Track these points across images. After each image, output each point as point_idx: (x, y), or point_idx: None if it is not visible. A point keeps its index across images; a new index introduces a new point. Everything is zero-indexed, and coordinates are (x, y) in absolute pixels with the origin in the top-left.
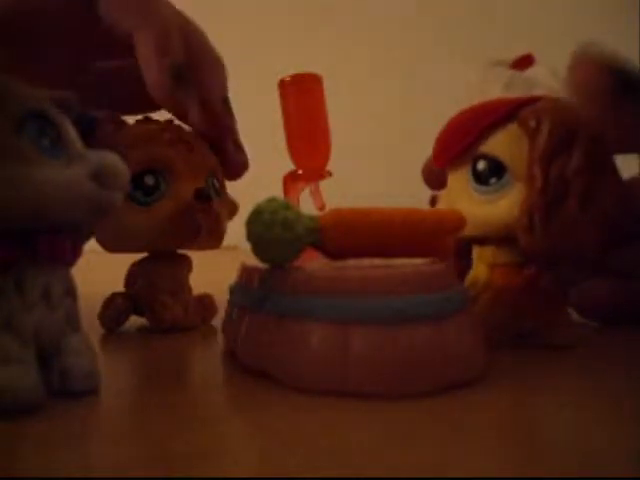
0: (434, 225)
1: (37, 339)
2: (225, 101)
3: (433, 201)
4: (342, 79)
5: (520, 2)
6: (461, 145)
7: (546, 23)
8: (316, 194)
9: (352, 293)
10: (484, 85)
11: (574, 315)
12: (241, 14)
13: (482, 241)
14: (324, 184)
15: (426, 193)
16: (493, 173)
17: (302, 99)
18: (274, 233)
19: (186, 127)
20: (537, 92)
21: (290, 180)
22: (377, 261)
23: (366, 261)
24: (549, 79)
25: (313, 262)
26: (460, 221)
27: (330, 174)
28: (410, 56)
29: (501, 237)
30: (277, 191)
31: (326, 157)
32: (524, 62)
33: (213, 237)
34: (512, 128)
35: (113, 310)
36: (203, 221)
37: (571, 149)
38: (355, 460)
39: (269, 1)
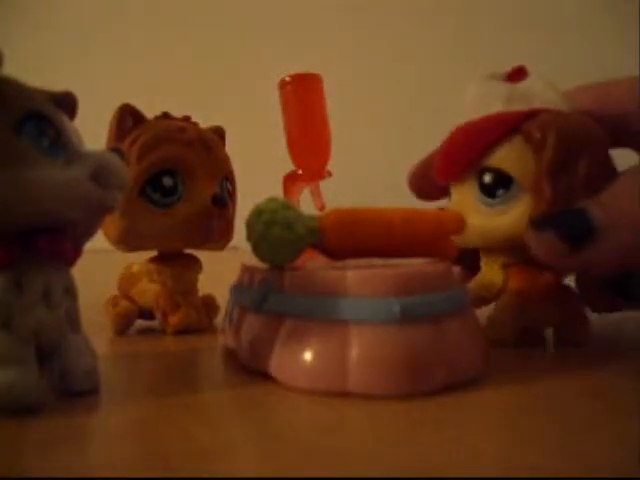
0: (434, 225)
1: (37, 339)
2: None
3: None
4: (342, 79)
5: (521, 6)
6: (467, 160)
7: (548, 32)
8: (316, 194)
9: (352, 293)
10: (486, 99)
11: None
12: (241, 14)
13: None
14: (324, 184)
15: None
16: (500, 185)
17: (302, 99)
18: (274, 233)
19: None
20: (536, 105)
21: (290, 180)
22: (377, 261)
23: (366, 261)
24: (545, 91)
25: (313, 262)
26: (460, 222)
27: (330, 174)
28: (411, 56)
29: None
30: (277, 191)
31: (326, 157)
32: (518, 74)
33: (223, 240)
34: (517, 141)
35: (122, 313)
36: (217, 225)
37: (577, 160)
38: (355, 460)
39: (269, 1)
